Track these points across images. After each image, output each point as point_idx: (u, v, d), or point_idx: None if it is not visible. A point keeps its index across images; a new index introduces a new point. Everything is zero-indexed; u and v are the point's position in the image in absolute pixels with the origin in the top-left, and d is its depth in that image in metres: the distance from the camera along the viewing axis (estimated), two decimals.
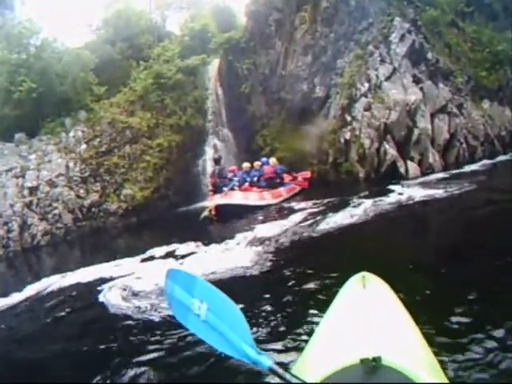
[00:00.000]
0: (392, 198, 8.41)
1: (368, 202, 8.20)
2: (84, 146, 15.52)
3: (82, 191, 14.91)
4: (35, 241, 13.84)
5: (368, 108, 13.00)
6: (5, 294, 6.65)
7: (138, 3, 22.82)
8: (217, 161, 13.33)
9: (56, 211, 14.33)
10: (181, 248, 7.45)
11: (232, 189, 11.79)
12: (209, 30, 19.35)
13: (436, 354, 1.42)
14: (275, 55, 16.57)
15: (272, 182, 12.54)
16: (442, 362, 1.49)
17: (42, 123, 15.93)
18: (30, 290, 6.68)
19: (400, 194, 8.90)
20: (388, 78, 13.36)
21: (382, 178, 11.76)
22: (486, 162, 12.33)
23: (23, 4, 26.81)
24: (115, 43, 19.31)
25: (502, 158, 12.95)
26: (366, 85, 13.39)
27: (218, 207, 10.54)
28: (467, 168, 11.58)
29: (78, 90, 16.61)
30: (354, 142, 12.87)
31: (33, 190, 14.38)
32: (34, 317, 5.64)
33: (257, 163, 12.97)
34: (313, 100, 15.04)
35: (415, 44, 13.75)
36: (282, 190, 12.52)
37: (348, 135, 13.05)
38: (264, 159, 13.23)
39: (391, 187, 9.85)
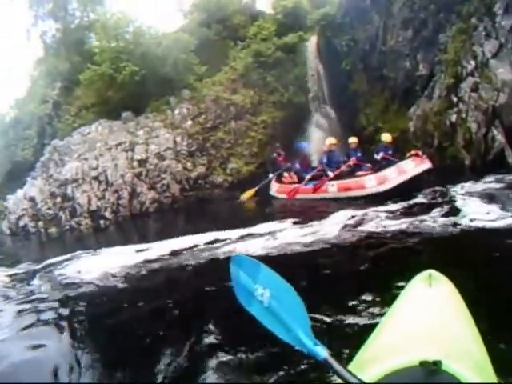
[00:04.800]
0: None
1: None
2: (190, 123, 15.95)
3: (189, 164, 15.31)
4: (144, 208, 14.57)
5: (475, 88, 11.96)
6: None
7: None
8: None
9: (164, 181, 14.73)
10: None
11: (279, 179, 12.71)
12: (301, 7, 18.99)
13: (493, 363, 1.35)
14: (373, 30, 15.99)
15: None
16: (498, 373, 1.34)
17: (147, 102, 16.35)
18: None
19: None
20: (495, 55, 12.11)
21: (489, 167, 10.56)
22: None
23: None
24: (210, 25, 19.61)
25: None
26: (472, 62, 12.37)
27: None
28: None
29: (180, 70, 17.09)
30: (461, 125, 11.92)
31: (142, 162, 14.85)
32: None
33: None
34: (416, 78, 14.33)
35: None
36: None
37: (454, 118, 12.13)
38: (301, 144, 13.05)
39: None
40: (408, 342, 1.26)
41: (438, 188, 8.66)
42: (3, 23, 58.13)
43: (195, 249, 6.77)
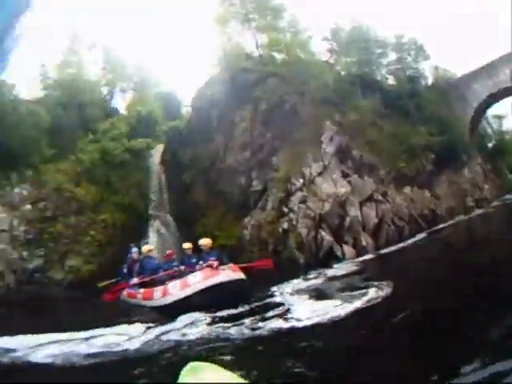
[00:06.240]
0: None
1: None
2: (29, 207, 15.04)
3: (25, 253, 14.23)
4: None
5: (303, 201, 14.41)
6: None
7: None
8: None
9: None
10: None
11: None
12: (154, 116, 20.15)
13: None
14: (215, 149, 17.86)
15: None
16: None
17: None
18: None
19: None
20: (320, 174, 14.97)
21: (322, 261, 12.55)
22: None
23: None
24: (66, 107, 19.01)
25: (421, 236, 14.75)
26: (301, 180, 14.87)
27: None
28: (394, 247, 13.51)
29: (28, 146, 15.85)
30: (292, 231, 13.90)
31: None
32: None
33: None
34: (251, 192, 16.32)
35: (342, 144, 16.10)
36: None
37: (286, 225, 14.12)
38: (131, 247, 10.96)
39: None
40: None
41: (271, 289, 8.88)
42: None
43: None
